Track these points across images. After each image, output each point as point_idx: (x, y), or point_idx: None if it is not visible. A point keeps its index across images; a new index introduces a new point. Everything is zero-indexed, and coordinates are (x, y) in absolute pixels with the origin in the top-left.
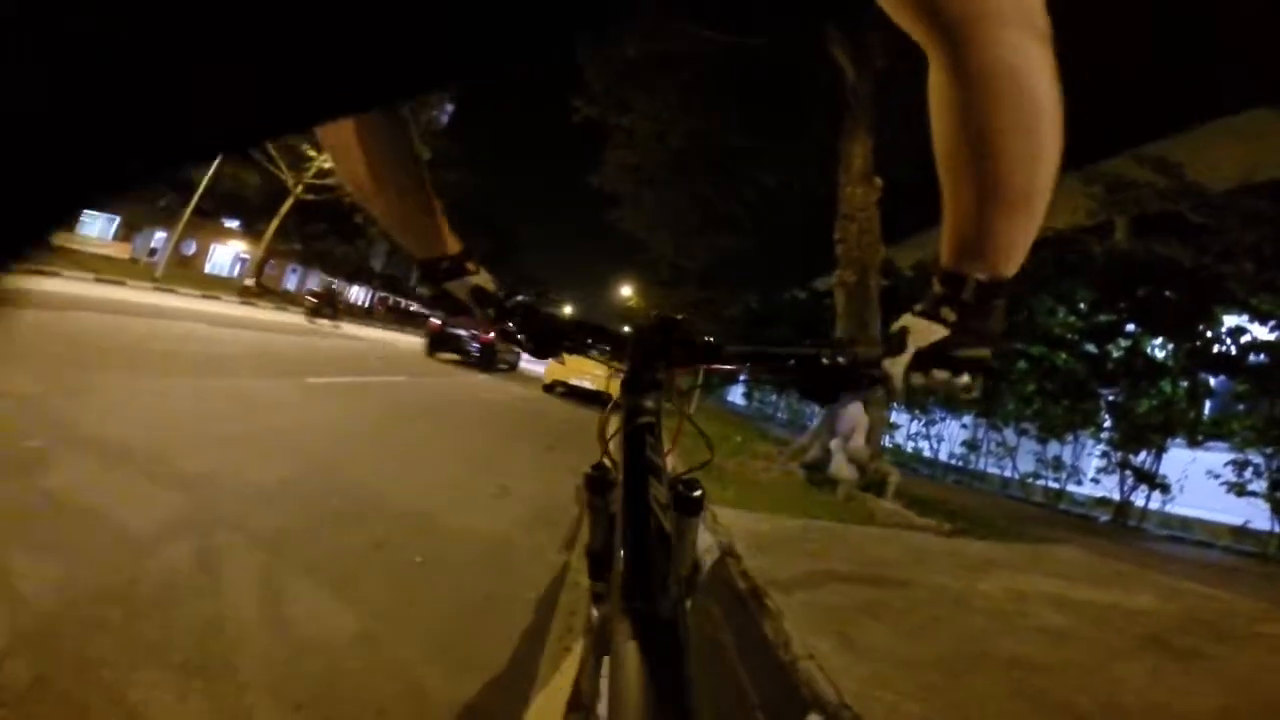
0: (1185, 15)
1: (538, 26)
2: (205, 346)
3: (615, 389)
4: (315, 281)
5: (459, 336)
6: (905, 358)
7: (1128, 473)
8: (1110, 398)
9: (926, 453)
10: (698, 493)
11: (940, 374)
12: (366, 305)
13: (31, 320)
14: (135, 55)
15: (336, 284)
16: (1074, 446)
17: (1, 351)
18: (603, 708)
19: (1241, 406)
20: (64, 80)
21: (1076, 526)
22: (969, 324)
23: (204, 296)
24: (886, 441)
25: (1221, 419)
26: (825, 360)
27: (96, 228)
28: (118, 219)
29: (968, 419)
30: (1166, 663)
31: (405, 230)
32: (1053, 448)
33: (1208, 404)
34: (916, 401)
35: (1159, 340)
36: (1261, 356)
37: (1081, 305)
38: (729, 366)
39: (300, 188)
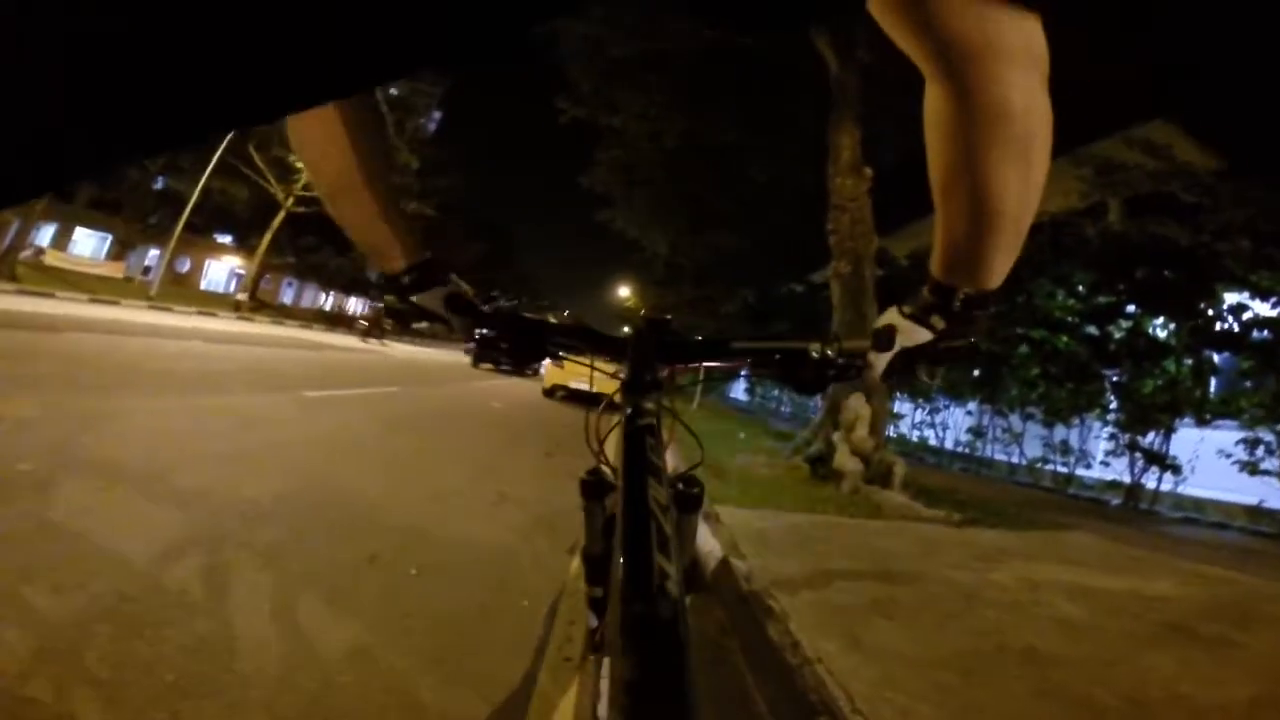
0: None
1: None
2: (201, 364)
3: (606, 388)
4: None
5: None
6: (891, 354)
7: (1137, 455)
8: (1115, 379)
9: (932, 441)
10: (696, 489)
11: (923, 369)
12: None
13: (25, 342)
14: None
15: (369, 306)
16: (1081, 430)
17: None
18: (602, 709)
19: (1248, 383)
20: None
21: (1088, 511)
22: (955, 331)
23: (200, 313)
24: (891, 431)
25: (1229, 397)
26: (815, 354)
27: (89, 247)
28: (110, 238)
29: (972, 405)
30: (1192, 651)
31: (370, 238)
32: (1059, 432)
33: (1213, 382)
34: (920, 390)
35: (1160, 320)
36: (1265, 333)
37: (1080, 288)
38: (721, 363)
39: (290, 200)
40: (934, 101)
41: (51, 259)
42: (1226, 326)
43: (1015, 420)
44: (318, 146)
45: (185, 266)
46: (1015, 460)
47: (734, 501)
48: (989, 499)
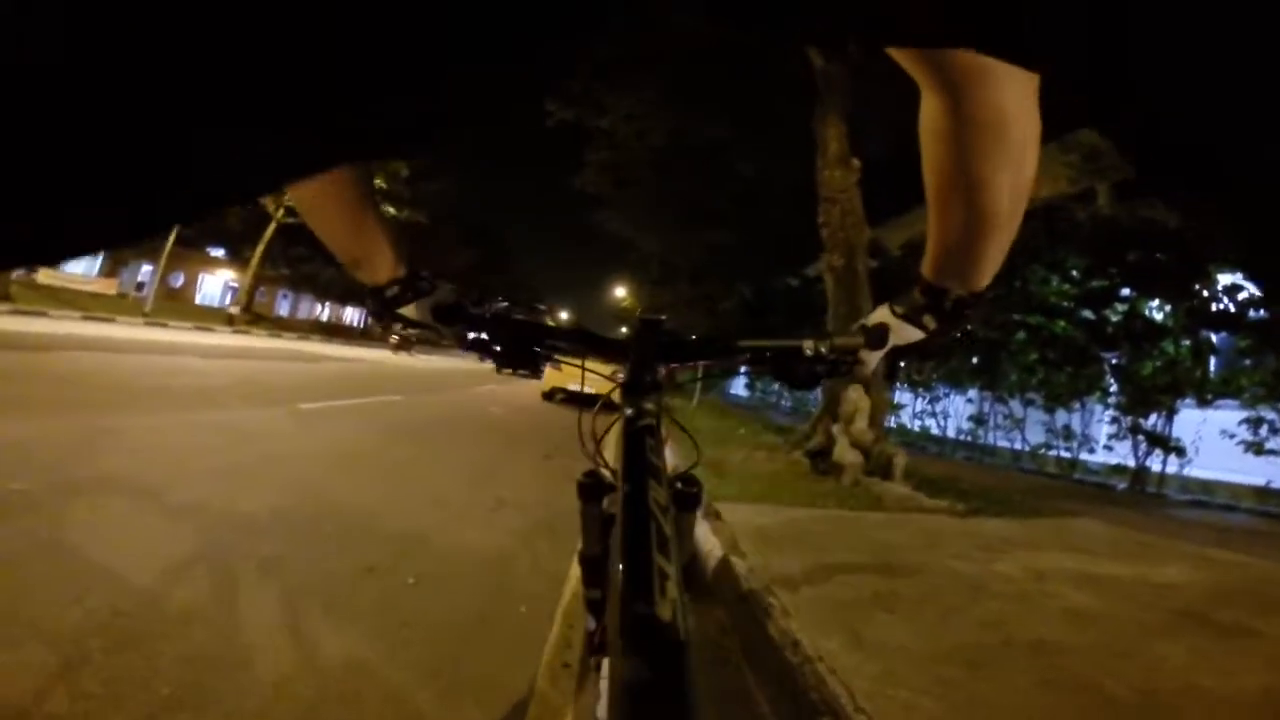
0: None
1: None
2: (196, 380)
3: (600, 389)
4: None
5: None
6: (882, 351)
7: (1140, 438)
8: (1114, 361)
9: (934, 430)
10: (694, 489)
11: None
12: (362, 327)
13: (18, 362)
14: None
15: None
16: (1082, 414)
17: None
18: (602, 710)
19: (1247, 362)
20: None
21: (1094, 497)
22: (946, 329)
23: (196, 328)
24: (892, 422)
25: (1229, 376)
26: (809, 352)
27: (81, 264)
28: (102, 254)
29: (972, 393)
30: (1205, 640)
31: (350, 249)
32: (1061, 417)
33: (1213, 362)
34: (921, 379)
35: (1156, 302)
36: (1261, 312)
37: (1074, 272)
38: (717, 362)
39: (281, 211)
40: (930, 111)
41: (44, 277)
42: (1222, 307)
43: (1016, 406)
44: None
45: (179, 281)
46: (1018, 447)
47: (734, 498)
48: (992, 487)
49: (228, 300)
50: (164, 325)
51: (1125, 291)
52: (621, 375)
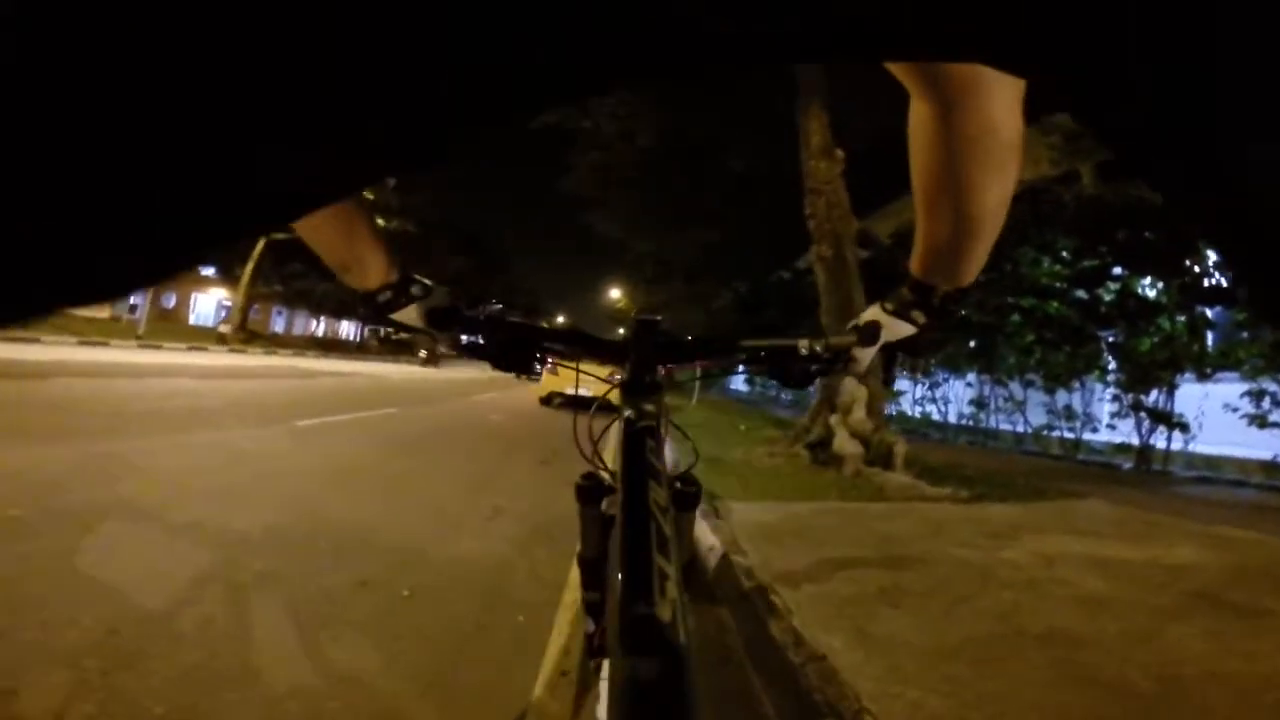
0: None
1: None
2: (191, 401)
3: (594, 391)
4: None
5: None
6: (875, 348)
7: (1142, 415)
8: (1111, 339)
9: (935, 416)
10: (693, 488)
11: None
12: (358, 341)
13: (12, 391)
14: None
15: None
16: (1083, 393)
17: None
18: (601, 711)
19: (1245, 335)
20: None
21: (1099, 477)
22: (935, 324)
23: (190, 349)
24: (892, 409)
25: (1227, 349)
26: (804, 351)
27: None
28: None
29: (971, 377)
30: (1223, 622)
31: (340, 255)
32: (1062, 397)
33: (1210, 336)
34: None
35: (1148, 280)
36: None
37: (1064, 253)
38: (713, 361)
39: None
40: (919, 117)
41: None
42: (1215, 282)
43: (1016, 388)
44: None
45: (171, 302)
46: (1020, 429)
47: (734, 495)
48: (996, 471)
49: (223, 318)
50: (158, 347)
51: (1117, 270)
52: (619, 377)
